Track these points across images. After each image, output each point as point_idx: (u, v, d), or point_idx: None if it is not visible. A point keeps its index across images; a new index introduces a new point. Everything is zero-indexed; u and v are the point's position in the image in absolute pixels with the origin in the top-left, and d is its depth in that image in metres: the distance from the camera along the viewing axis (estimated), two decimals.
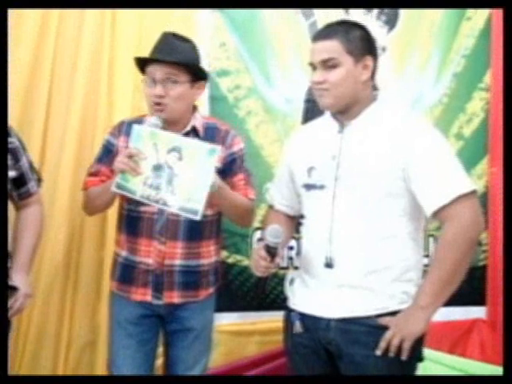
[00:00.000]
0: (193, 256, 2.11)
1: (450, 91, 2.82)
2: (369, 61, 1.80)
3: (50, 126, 2.42)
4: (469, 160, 2.72)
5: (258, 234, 2.68)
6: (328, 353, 1.86)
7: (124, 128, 2.12)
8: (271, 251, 1.82)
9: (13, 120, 2.25)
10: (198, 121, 2.11)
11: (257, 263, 1.85)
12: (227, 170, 2.09)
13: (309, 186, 1.90)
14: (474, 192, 1.74)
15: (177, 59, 2.02)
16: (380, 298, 1.81)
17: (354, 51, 1.77)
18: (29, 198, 2.07)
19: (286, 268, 2.69)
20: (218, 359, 2.61)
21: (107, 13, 2.42)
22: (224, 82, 2.63)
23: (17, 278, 2.01)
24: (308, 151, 1.93)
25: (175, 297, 2.11)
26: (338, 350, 1.83)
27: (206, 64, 2.54)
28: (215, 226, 2.17)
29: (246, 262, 2.69)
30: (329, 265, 1.83)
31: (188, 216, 1.90)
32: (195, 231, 2.09)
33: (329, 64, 1.78)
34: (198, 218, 1.87)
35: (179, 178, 1.88)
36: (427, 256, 2.47)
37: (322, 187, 1.85)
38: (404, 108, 1.96)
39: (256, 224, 2.65)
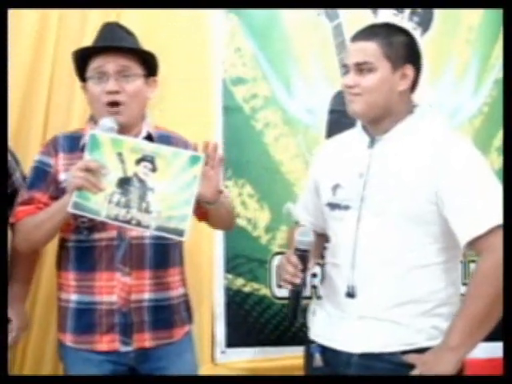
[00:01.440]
0: (161, 287, 1.93)
1: (491, 100, 2.69)
2: (409, 70, 1.72)
3: (49, 130, 2.34)
4: None
5: (277, 260, 2.55)
6: None
7: (60, 143, 1.92)
8: (303, 255, 1.75)
9: (12, 123, 2.26)
10: (150, 127, 1.96)
11: (284, 271, 1.78)
12: None
13: (333, 206, 1.83)
14: None
15: (132, 46, 1.90)
16: (406, 333, 1.73)
17: (393, 57, 1.70)
18: None
19: (309, 298, 2.50)
20: None
21: (111, 14, 2.34)
22: (239, 91, 2.54)
23: (11, 309, 1.94)
24: (335, 166, 1.87)
25: (146, 339, 1.91)
26: None
27: (219, 71, 2.52)
28: (178, 248, 2.00)
29: (264, 291, 2.59)
30: (350, 294, 1.76)
31: (171, 237, 1.75)
32: (162, 257, 1.93)
33: (363, 67, 1.71)
34: (183, 239, 1.73)
35: (154, 193, 1.72)
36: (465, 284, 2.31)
37: (346, 207, 1.78)
38: (442, 124, 1.85)
39: (275, 248, 2.58)
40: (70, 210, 1.73)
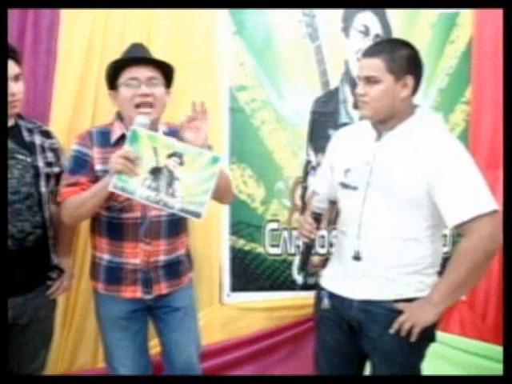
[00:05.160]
0: (172, 250, 2.06)
1: (435, 104, 2.81)
2: (409, 80, 1.76)
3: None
4: None
5: (270, 226, 2.74)
6: (350, 326, 1.90)
7: (94, 138, 1.97)
8: (318, 218, 1.83)
9: (63, 127, 2.33)
10: (164, 125, 2.03)
11: (303, 228, 1.86)
12: None
13: (344, 185, 1.89)
14: (495, 211, 1.69)
15: (159, 60, 1.96)
16: (398, 286, 1.82)
17: (395, 70, 1.74)
18: None
19: (294, 255, 2.75)
20: (235, 332, 2.70)
21: (143, 32, 2.44)
22: (242, 96, 2.66)
23: (62, 262, 2.07)
24: (347, 153, 1.91)
25: (163, 288, 2.06)
26: (358, 326, 1.87)
27: (226, 80, 2.61)
28: (185, 220, 2.10)
29: (259, 249, 2.74)
30: (357, 258, 1.84)
31: (189, 217, 1.84)
32: (174, 229, 2.05)
33: (371, 80, 1.76)
34: (201, 220, 1.80)
35: (180, 182, 1.79)
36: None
37: (355, 188, 1.85)
38: (437, 123, 1.89)
39: (268, 217, 2.74)
40: (111, 188, 1.80)
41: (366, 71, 1.77)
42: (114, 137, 1.97)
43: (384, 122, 1.80)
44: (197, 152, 1.79)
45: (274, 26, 2.66)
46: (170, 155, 1.78)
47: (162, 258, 2.04)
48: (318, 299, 1.97)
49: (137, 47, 2.04)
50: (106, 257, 2.03)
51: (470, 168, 1.73)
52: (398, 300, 1.80)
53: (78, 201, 1.90)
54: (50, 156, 1.99)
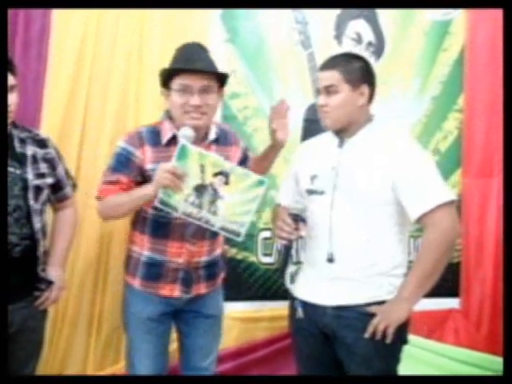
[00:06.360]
0: (212, 251, 2.09)
1: (428, 112, 2.84)
2: (365, 89, 1.85)
3: (86, 138, 2.45)
4: (444, 172, 2.49)
5: (263, 234, 2.73)
6: (324, 335, 1.91)
7: (144, 137, 1.94)
8: (295, 218, 1.86)
9: (53, 132, 2.30)
10: (214, 127, 2.02)
11: (281, 230, 1.87)
12: (246, 158, 2.17)
13: (311, 192, 1.93)
14: (452, 201, 1.78)
15: (215, 69, 1.92)
16: (369, 289, 1.84)
17: (351, 80, 1.83)
18: (65, 201, 2.09)
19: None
20: (227, 342, 2.64)
21: (136, 30, 2.44)
22: (234, 104, 2.66)
23: (52, 273, 2.02)
24: (312, 161, 1.96)
25: (203, 288, 2.07)
26: (332, 333, 1.88)
27: None
28: None
29: (252, 258, 2.73)
30: (330, 260, 1.87)
31: (229, 236, 1.86)
32: (214, 231, 2.02)
33: (330, 90, 1.84)
34: (239, 239, 1.85)
35: (223, 201, 1.81)
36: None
37: (322, 193, 1.89)
38: (394, 129, 1.98)
39: (261, 225, 2.72)
40: (157, 204, 1.81)
41: (324, 82, 1.85)
42: (166, 137, 1.95)
43: (345, 129, 1.87)
44: (243, 173, 1.81)
45: (267, 33, 2.67)
46: (217, 174, 1.79)
47: (204, 258, 2.05)
48: (293, 309, 1.98)
49: (194, 48, 1.96)
50: (146, 253, 2.01)
51: (428, 163, 1.82)
52: (370, 303, 1.82)
53: (116, 202, 1.92)
54: (43, 167, 1.97)
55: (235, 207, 1.81)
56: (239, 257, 2.73)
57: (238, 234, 1.84)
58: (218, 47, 2.59)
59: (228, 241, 2.55)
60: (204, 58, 1.94)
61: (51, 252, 2.04)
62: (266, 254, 2.76)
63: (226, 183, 1.80)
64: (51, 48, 2.36)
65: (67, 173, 2.09)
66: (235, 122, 2.65)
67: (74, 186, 2.14)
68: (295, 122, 2.69)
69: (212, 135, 2.00)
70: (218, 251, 2.14)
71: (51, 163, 2.01)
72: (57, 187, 2.04)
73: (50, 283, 2.01)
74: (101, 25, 2.42)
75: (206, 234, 2.02)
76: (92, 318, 2.51)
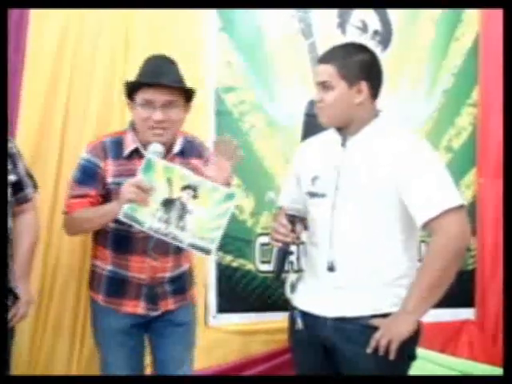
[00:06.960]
0: (178, 266, 2.08)
1: (440, 106, 2.81)
2: (363, 86, 1.80)
3: (67, 141, 2.39)
4: (458, 171, 2.72)
5: (261, 240, 2.68)
6: (325, 348, 1.87)
7: (108, 148, 1.96)
8: (292, 220, 1.85)
9: (31, 133, 2.29)
10: (179, 140, 2.02)
11: (277, 232, 1.87)
12: None
13: (312, 194, 1.91)
14: (462, 206, 1.73)
15: (179, 84, 1.93)
16: (373, 300, 1.81)
17: (347, 77, 1.78)
18: (25, 203, 1.99)
19: (287, 272, 2.49)
20: (222, 357, 2.61)
21: (121, 29, 2.39)
22: (229, 98, 2.62)
23: (17, 286, 1.94)
24: (313, 161, 1.95)
25: (170, 304, 2.07)
26: (332, 346, 1.85)
27: (212, 81, 2.59)
28: None
29: (249, 266, 2.69)
30: (331, 268, 1.84)
31: (198, 253, 1.87)
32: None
33: (325, 85, 1.81)
34: (209, 255, 1.85)
35: (192, 216, 1.81)
36: (420, 261, 2.44)
37: (323, 195, 1.86)
38: (402, 126, 1.94)
39: (259, 230, 2.67)
40: (120, 217, 1.81)
41: (319, 77, 1.84)
42: (128, 149, 1.98)
43: (345, 127, 1.85)
44: (212, 187, 1.82)
45: (265, 22, 2.62)
46: (185, 187, 1.81)
47: (169, 274, 2.06)
48: (292, 320, 1.96)
49: (160, 61, 1.98)
50: (109, 267, 2.04)
51: (436, 165, 1.79)
52: (374, 316, 1.79)
53: (84, 217, 1.94)
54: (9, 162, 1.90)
55: (204, 222, 1.82)
56: (235, 264, 2.68)
57: (207, 251, 1.84)
58: (212, 37, 2.57)
59: (221, 247, 2.57)
60: (170, 72, 1.96)
61: (15, 262, 1.95)
62: (264, 262, 2.71)
63: (195, 197, 1.80)
64: (29, 42, 2.31)
65: (28, 172, 2.02)
66: (230, 117, 2.62)
67: (36, 186, 2.05)
68: (296, 118, 2.67)
69: (176, 148, 2.01)
70: (185, 266, 2.14)
71: (12, 159, 1.93)
72: (17, 187, 1.95)
73: (16, 298, 1.93)
74: (83, 20, 2.37)
75: (169, 248, 2.01)
76: (75, 327, 2.46)
